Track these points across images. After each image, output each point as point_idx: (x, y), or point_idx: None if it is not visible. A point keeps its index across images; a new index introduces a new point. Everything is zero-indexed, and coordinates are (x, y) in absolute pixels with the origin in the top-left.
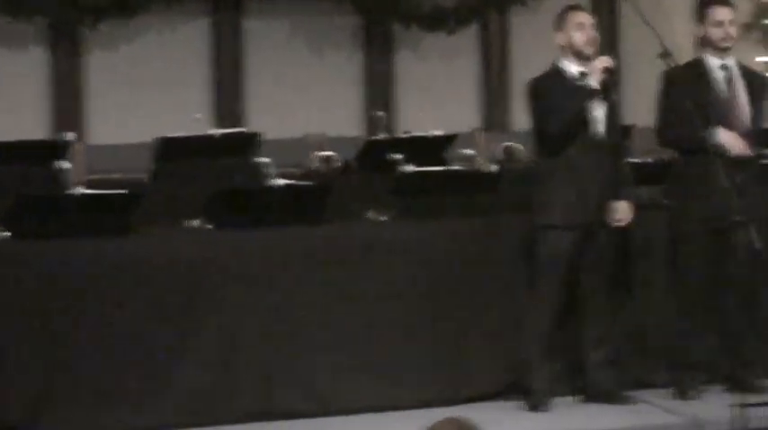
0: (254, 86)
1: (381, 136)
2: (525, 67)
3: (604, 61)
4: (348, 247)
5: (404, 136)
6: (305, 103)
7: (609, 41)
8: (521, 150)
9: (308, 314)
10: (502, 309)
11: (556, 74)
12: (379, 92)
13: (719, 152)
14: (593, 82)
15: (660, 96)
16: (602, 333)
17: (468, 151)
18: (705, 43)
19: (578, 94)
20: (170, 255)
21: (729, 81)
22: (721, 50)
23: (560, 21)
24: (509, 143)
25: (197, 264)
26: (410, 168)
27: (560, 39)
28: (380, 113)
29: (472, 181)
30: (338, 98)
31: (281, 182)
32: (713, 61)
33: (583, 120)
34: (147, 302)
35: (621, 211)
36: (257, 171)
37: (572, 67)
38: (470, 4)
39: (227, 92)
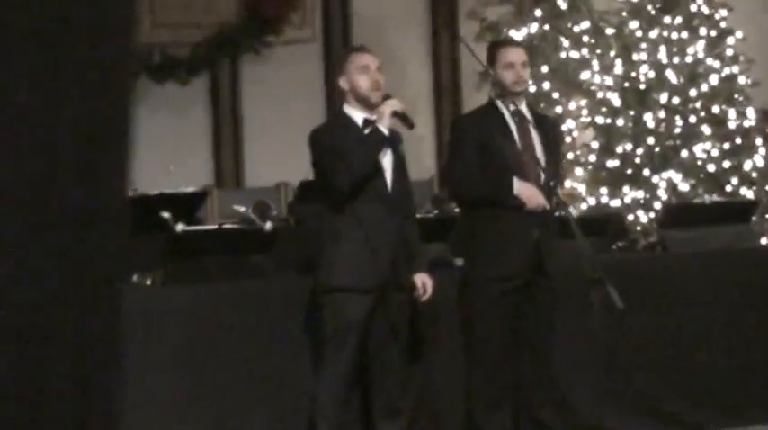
0: None
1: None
2: (256, 119)
3: (393, 104)
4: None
5: (155, 193)
6: None
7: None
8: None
9: None
10: (283, 381)
11: (340, 122)
12: None
13: (515, 205)
14: (383, 128)
15: (451, 145)
16: (395, 403)
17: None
18: (496, 87)
19: (367, 142)
20: None
21: (523, 128)
22: (513, 95)
23: (341, 63)
24: (261, 199)
25: None
26: (181, 227)
27: (342, 83)
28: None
29: (246, 240)
30: None
31: None
32: (504, 107)
33: (372, 172)
34: None
35: (422, 285)
36: None
37: (356, 114)
38: (201, 54)
39: None
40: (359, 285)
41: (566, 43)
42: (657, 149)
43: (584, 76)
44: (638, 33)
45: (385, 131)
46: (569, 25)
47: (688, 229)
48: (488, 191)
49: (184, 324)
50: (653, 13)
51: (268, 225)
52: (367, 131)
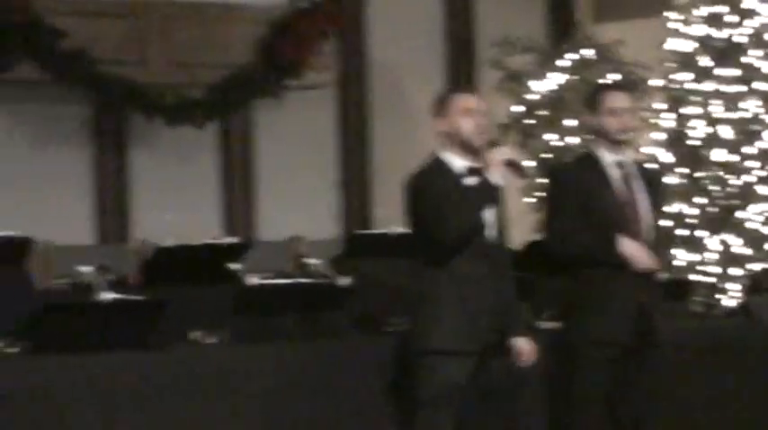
0: None
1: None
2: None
3: (505, 152)
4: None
5: (196, 244)
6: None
7: None
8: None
9: None
10: None
11: (439, 168)
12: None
13: (619, 264)
14: (496, 179)
15: (551, 199)
16: None
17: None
18: (599, 135)
19: (476, 194)
20: None
21: (627, 180)
22: (617, 144)
23: (442, 106)
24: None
25: None
26: (254, 280)
27: (442, 126)
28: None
29: (321, 296)
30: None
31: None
32: (607, 157)
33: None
34: None
35: (523, 350)
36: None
37: (456, 161)
38: (215, 98)
39: None
40: (460, 348)
41: None
42: (711, 209)
43: None
44: (690, 85)
45: (498, 182)
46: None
47: None
48: (591, 248)
49: (255, 386)
50: (706, 64)
51: (342, 280)
52: (469, 180)
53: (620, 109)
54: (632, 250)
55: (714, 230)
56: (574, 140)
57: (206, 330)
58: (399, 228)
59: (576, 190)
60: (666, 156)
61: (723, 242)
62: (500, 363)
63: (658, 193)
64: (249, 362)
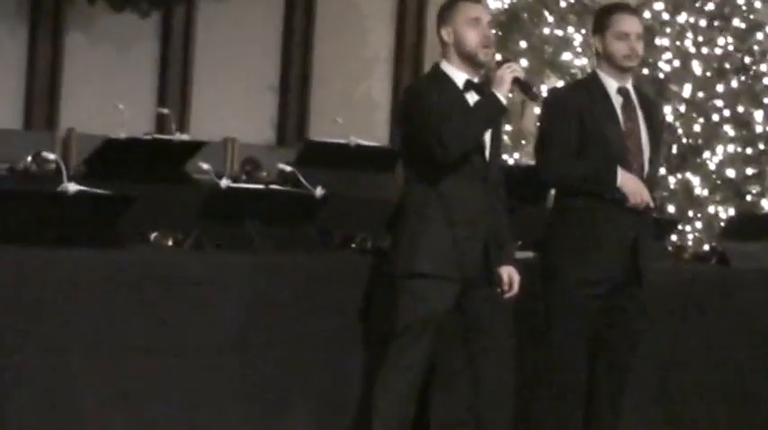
0: None
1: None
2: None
3: (515, 70)
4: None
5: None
6: None
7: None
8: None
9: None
10: (331, 376)
11: (440, 80)
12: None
13: (615, 199)
14: (501, 95)
15: (547, 122)
16: (461, 414)
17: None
18: (603, 59)
19: (482, 109)
20: None
21: (628, 110)
22: (622, 70)
23: (447, 13)
24: (252, 156)
25: None
26: (225, 183)
27: (445, 35)
28: (165, 110)
29: (292, 205)
30: None
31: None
32: (611, 83)
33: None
34: None
35: (509, 279)
36: None
37: (457, 74)
38: None
39: None
40: (444, 273)
41: (550, 18)
42: (674, 149)
43: (566, 56)
44: (665, 16)
45: (503, 100)
46: None
47: (748, 242)
48: (589, 178)
49: (219, 297)
50: None
51: (318, 190)
52: (469, 96)
53: (630, 33)
54: (632, 185)
55: (674, 170)
56: (524, 64)
57: (166, 232)
58: (358, 140)
59: (577, 116)
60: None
61: (684, 182)
62: (483, 293)
63: (659, 126)
64: (218, 269)
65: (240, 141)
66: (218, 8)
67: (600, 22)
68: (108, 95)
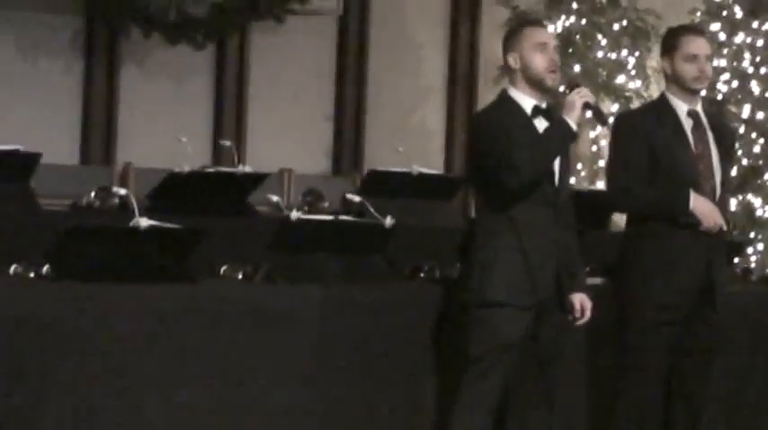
0: None
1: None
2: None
3: (585, 95)
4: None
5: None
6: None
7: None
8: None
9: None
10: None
11: (508, 107)
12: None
13: (688, 223)
14: (572, 121)
15: (616, 145)
16: None
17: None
18: (672, 82)
19: (552, 136)
20: None
21: (699, 133)
22: (691, 92)
23: (514, 39)
24: (313, 187)
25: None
26: (296, 215)
27: (512, 61)
28: (227, 142)
29: (362, 235)
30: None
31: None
32: (680, 106)
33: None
34: None
35: (581, 306)
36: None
37: (525, 100)
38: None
39: None
40: (519, 301)
41: (603, 41)
42: (735, 170)
43: (620, 79)
44: (721, 37)
45: (574, 126)
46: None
47: None
48: (661, 203)
49: (292, 329)
50: (739, 16)
51: (388, 220)
52: (538, 122)
53: (699, 54)
54: (705, 208)
55: (735, 191)
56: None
57: (235, 265)
58: (421, 168)
59: (647, 140)
60: None
61: (745, 204)
62: (555, 320)
63: (730, 148)
64: (291, 303)
65: (296, 172)
66: (272, 38)
67: (668, 44)
68: (164, 129)
